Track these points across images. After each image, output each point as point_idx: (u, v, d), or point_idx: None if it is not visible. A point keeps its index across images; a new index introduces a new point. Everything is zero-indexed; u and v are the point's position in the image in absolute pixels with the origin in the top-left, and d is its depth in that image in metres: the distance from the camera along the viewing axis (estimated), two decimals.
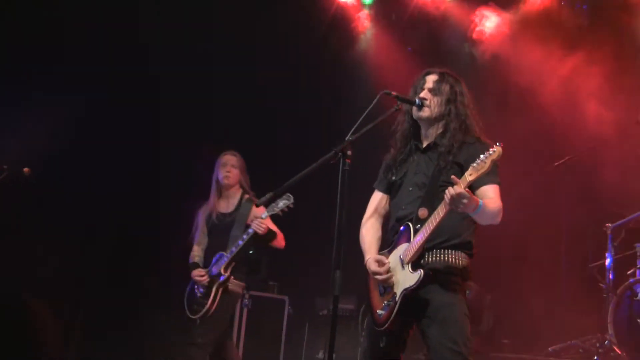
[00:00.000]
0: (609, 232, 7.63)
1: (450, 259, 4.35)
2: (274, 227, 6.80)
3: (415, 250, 4.28)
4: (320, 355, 8.45)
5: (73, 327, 8.68)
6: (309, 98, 9.57)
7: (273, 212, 6.62)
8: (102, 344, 8.55)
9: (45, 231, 8.33)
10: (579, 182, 8.43)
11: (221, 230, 6.87)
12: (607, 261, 7.58)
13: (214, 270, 6.69)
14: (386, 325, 4.35)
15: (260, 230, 6.59)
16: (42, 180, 7.85)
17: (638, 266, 7.49)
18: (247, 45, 9.33)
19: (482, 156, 4.01)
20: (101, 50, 8.80)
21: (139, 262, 9.14)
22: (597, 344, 7.26)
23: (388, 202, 4.75)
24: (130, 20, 8.86)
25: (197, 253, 7.02)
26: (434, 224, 4.19)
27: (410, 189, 4.53)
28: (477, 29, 9.77)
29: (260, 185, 6.74)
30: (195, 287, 6.77)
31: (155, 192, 9.29)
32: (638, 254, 7.53)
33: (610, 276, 7.52)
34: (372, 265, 4.47)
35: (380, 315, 4.41)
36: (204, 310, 6.60)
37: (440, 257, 4.35)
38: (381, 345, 4.43)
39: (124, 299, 8.92)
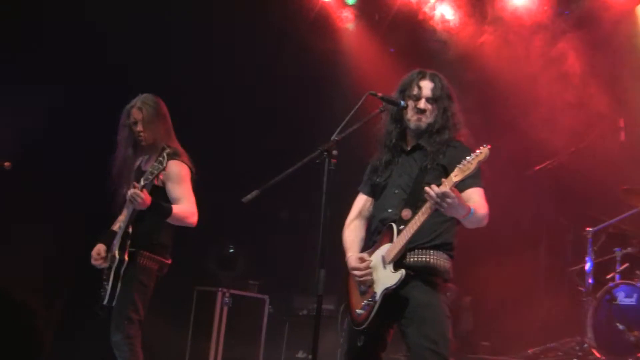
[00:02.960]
0: (589, 236, 7.69)
1: (431, 260, 4.33)
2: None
3: (397, 250, 4.26)
4: (300, 354, 8.44)
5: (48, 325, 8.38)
6: (290, 98, 9.53)
7: (147, 181, 5.36)
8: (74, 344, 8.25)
9: (26, 225, 8.13)
10: (560, 186, 8.47)
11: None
12: (587, 265, 7.64)
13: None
14: (364, 325, 4.33)
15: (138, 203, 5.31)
16: (22, 173, 7.70)
17: (617, 270, 7.56)
18: (227, 44, 9.21)
19: (468, 157, 4.01)
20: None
21: None
22: (577, 347, 7.32)
23: (372, 205, 4.73)
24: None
25: None
26: (418, 224, 4.18)
27: (396, 191, 4.51)
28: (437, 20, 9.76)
29: (246, 186, 6.65)
30: None
31: None
32: (617, 258, 7.61)
33: (590, 280, 7.57)
34: (352, 262, 4.46)
35: (359, 314, 4.39)
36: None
37: (422, 258, 4.33)
38: (359, 344, 4.40)
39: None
